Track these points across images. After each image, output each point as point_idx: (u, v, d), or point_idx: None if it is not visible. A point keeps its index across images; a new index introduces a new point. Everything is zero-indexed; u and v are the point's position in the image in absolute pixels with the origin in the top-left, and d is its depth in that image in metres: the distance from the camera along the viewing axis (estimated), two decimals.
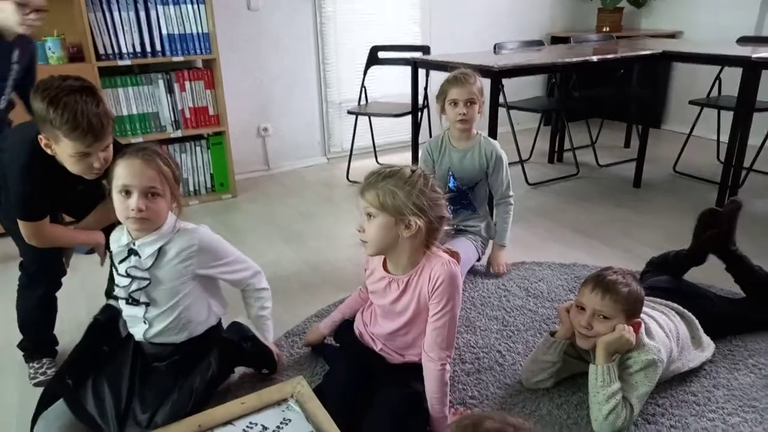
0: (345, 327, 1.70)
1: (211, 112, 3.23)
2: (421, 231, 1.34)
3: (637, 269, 2.07)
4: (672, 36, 4.49)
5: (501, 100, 3.03)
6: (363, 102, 3.67)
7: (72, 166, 1.47)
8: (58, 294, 1.80)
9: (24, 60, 2.14)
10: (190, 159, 3.27)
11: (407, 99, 3.18)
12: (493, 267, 2.32)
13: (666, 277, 1.96)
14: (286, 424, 0.70)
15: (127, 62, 2.93)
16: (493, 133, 2.52)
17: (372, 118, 3.72)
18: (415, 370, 1.45)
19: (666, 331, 1.59)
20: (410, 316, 1.43)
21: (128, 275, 1.42)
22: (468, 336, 1.89)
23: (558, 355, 1.56)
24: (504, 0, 4.45)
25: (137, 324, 1.47)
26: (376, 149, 3.95)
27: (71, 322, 1.96)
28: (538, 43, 3.76)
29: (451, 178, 2.27)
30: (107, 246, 1.59)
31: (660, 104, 4.67)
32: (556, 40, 4.64)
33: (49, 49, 2.76)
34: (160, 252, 1.39)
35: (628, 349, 1.46)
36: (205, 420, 0.67)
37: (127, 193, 1.32)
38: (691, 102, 3.53)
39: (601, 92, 4.11)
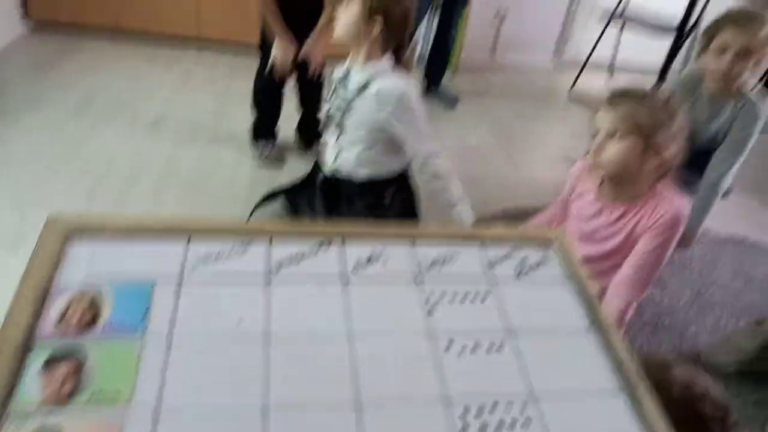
0: None
1: None
2: (665, 164, 1.22)
3: None
4: None
5: None
6: (620, 10, 3.27)
7: None
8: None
9: None
10: (428, 26, 3.26)
11: (673, 18, 2.77)
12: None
13: None
14: (544, 263, 0.72)
15: None
16: None
17: (623, 31, 3.32)
18: None
19: None
20: (613, 247, 1.36)
21: (334, 98, 1.52)
22: (655, 291, 1.76)
23: (757, 346, 1.40)
24: None
25: (328, 151, 1.59)
26: (615, 66, 3.58)
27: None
28: None
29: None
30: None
31: None
32: None
33: None
34: (366, 84, 1.45)
35: None
36: (474, 232, 0.72)
37: None
38: None
39: None
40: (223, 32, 2.97)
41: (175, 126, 2.27)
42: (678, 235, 1.30)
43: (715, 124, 1.82)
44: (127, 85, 2.53)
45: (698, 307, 1.74)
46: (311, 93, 2.09)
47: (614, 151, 1.23)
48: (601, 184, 1.37)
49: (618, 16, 3.20)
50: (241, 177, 2.02)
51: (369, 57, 1.46)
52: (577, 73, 3.38)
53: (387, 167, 1.58)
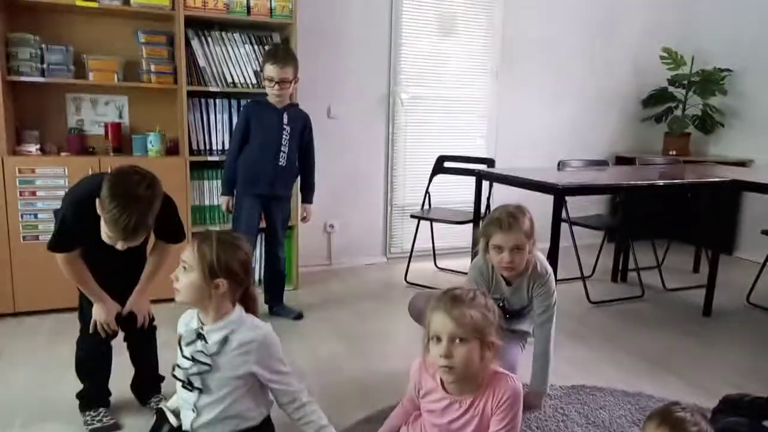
0: None
1: None
2: (497, 353, 1.36)
3: (706, 405, 1.95)
4: (742, 164, 4.46)
5: (563, 215, 3.06)
6: (426, 207, 3.80)
7: (102, 231, 1.62)
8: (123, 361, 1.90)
9: (296, 125, 2.82)
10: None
11: (469, 206, 3.28)
12: (530, 406, 2.02)
13: (743, 420, 1.82)
14: None
15: (216, 158, 3.21)
16: (554, 249, 2.53)
17: (434, 223, 3.83)
18: None
19: None
20: None
21: (192, 359, 1.47)
22: None
23: None
24: (569, 118, 4.62)
25: (187, 411, 1.51)
26: (436, 253, 4.02)
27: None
28: (603, 163, 3.83)
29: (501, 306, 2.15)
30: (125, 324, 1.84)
31: (731, 231, 4.55)
32: (620, 160, 4.70)
33: (150, 142, 3.08)
34: (225, 340, 1.45)
35: None
36: None
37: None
38: (764, 232, 3.43)
39: (667, 213, 4.07)
40: (41, 303, 2.83)
41: None
42: (521, 405, 1.40)
43: (517, 299, 2.10)
44: None
45: None
46: (142, 346, 2.00)
47: (461, 355, 1.34)
48: (444, 383, 1.46)
49: (425, 214, 3.70)
50: None
51: (220, 312, 1.47)
52: (406, 265, 3.72)
53: (251, 418, 1.53)
